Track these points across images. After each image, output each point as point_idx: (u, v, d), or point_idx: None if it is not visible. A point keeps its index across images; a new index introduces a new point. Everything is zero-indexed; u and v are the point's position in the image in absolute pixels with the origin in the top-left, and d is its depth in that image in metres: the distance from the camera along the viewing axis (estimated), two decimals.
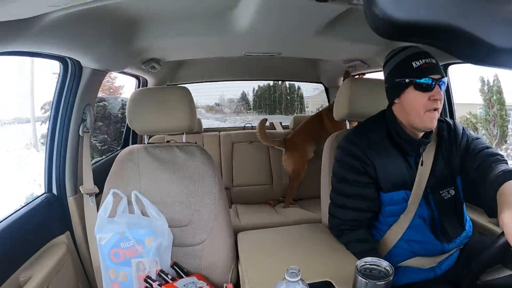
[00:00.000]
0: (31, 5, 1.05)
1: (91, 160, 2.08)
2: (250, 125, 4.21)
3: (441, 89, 1.43)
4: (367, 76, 3.20)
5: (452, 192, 1.57)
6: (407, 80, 1.44)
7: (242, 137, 3.68)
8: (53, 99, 1.90)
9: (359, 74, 3.24)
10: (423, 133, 1.54)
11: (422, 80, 1.42)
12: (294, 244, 1.64)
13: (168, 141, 1.93)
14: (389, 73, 1.54)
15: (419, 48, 1.49)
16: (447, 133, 1.61)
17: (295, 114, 4.13)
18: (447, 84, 2.23)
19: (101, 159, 2.74)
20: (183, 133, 1.93)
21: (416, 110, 1.45)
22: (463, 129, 1.63)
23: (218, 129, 4.05)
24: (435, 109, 1.44)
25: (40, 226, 1.73)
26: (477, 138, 1.61)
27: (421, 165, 1.54)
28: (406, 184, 1.53)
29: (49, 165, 1.93)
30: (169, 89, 1.94)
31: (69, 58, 1.76)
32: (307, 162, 3.34)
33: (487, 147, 1.55)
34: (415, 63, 1.44)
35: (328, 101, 4.09)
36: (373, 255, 1.18)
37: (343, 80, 3.23)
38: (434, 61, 1.45)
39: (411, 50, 1.49)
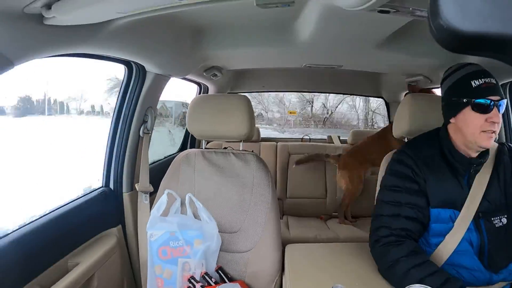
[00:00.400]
0: (101, 11, 1.12)
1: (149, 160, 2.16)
2: (308, 137, 4.17)
3: (499, 111, 1.36)
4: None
5: (505, 220, 1.46)
6: (464, 100, 1.39)
7: (299, 148, 3.65)
8: (117, 99, 2.01)
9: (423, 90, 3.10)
10: (478, 153, 1.47)
11: (481, 101, 1.36)
12: (342, 261, 1.60)
13: (225, 148, 1.95)
14: (446, 91, 1.49)
15: (479, 66, 1.44)
16: (508, 158, 1.52)
17: (353, 129, 4.02)
18: (507, 105, 2.10)
19: (158, 160, 2.83)
20: (240, 141, 1.95)
21: (472, 131, 1.39)
22: None
23: (276, 139, 4.06)
24: (492, 131, 1.37)
25: (94, 217, 1.82)
26: None
27: (472, 185, 1.46)
28: (455, 203, 1.46)
29: (108, 161, 2.03)
30: (229, 96, 1.97)
31: (134, 62, 1.85)
32: (362, 182, 3.24)
33: None
34: (474, 82, 1.38)
35: (388, 117, 3.98)
36: (428, 268, 1.18)
37: (406, 93, 3.11)
38: (494, 81, 1.39)
39: (470, 68, 1.43)
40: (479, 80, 1.38)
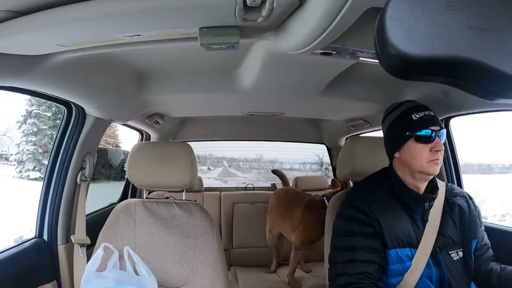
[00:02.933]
0: (40, 41, 1.08)
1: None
2: (252, 186, 4.17)
3: (441, 139, 1.44)
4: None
5: (461, 254, 1.51)
6: (407, 133, 1.46)
7: (244, 197, 3.65)
8: (54, 142, 1.91)
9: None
10: (426, 184, 1.53)
11: (423, 132, 1.44)
12: None
13: (167, 197, 1.88)
14: (389, 127, 1.56)
15: (416, 102, 1.53)
16: (466, 202, 1.61)
17: (297, 176, 4.07)
18: (451, 138, 2.23)
19: (96, 210, 2.69)
20: (183, 191, 1.90)
21: (419, 162, 1.45)
22: (471, 198, 1.65)
23: (219, 189, 4.01)
24: (437, 159, 1.44)
25: (27, 271, 1.67)
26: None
27: (426, 222, 1.51)
28: (412, 241, 1.48)
29: (42, 209, 1.89)
30: (171, 144, 1.94)
31: (74, 103, 1.78)
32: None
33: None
34: (415, 116, 1.47)
35: (331, 162, 4.07)
36: None
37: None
38: (432, 113, 1.48)
39: (410, 103, 1.52)
40: (419, 113, 1.47)
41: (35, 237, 1.87)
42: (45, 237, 1.88)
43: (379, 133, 2.90)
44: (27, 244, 1.76)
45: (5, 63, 1.14)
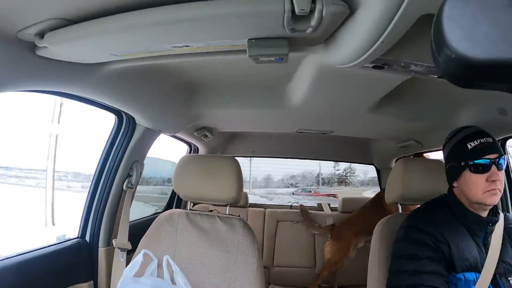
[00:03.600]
0: (93, 49, 1.11)
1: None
2: (297, 204, 4.11)
3: (499, 168, 1.38)
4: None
5: None
6: (462, 163, 1.43)
7: (288, 216, 3.60)
8: (104, 149, 1.97)
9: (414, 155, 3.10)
10: (487, 212, 1.46)
11: (478, 162, 1.39)
12: None
13: (211, 211, 1.88)
14: (447, 156, 1.53)
15: (474, 128, 1.48)
16: (509, 222, 1.53)
17: (344, 197, 3.97)
18: (509, 163, 2.10)
19: (141, 218, 2.74)
20: (227, 205, 1.88)
21: (475, 193, 1.40)
22: None
23: (264, 206, 3.99)
24: (495, 189, 1.37)
25: (65, 268, 1.71)
26: None
27: (488, 246, 1.45)
28: (477, 266, 1.42)
29: (87, 211, 1.94)
30: (218, 158, 1.94)
31: (125, 113, 1.83)
32: (348, 255, 3.15)
33: None
34: (470, 145, 1.42)
35: (379, 184, 3.94)
36: None
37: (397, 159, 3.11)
38: (490, 139, 1.42)
39: (466, 131, 1.48)
40: (475, 141, 1.42)
41: (77, 237, 1.93)
42: (87, 238, 1.93)
43: (432, 155, 2.79)
44: (69, 243, 1.82)
45: (58, 69, 1.19)
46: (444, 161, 1.56)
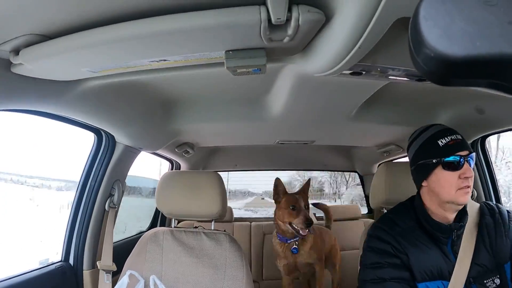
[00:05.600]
0: (69, 65, 1.10)
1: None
2: None
3: (470, 165, 1.37)
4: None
5: (498, 281, 1.40)
6: (434, 160, 1.40)
7: (274, 228, 3.56)
8: (84, 169, 1.93)
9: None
10: (455, 214, 1.45)
11: (450, 158, 1.37)
12: None
13: (196, 227, 1.87)
14: (414, 154, 1.50)
15: (443, 126, 1.47)
16: (491, 218, 1.48)
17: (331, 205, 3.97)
18: (487, 156, 2.14)
19: (124, 238, 2.69)
20: (212, 220, 1.88)
21: (447, 191, 1.38)
22: (509, 213, 1.50)
23: (250, 219, 3.96)
24: (467, 187, 1.36)
25: None
26: None
27: (457, 252, 1.41)
28: (443, 274, 1.40)
29: (69, 234, 1.90)
30: (200, 173, 1.93)
31: (104, 131, 1.81)
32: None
33: None
34: (441, 141, 1.40)
35: (364, 191, 3.95)
36: None
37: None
38: (460, 137, 1.41)
39: (435, 128, 1.46)
40: (445, 138, 1.40)
41: (60, 261, 1.88)
42: (71, 261, 1.88)
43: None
44: (53, 267, 1.77)
45: (34, 87, 1.17)
46: (410, 161, 1.55)
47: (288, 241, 2.47)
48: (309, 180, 2.65)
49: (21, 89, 1.15)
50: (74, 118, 1.54)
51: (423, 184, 1.47)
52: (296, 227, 2.35)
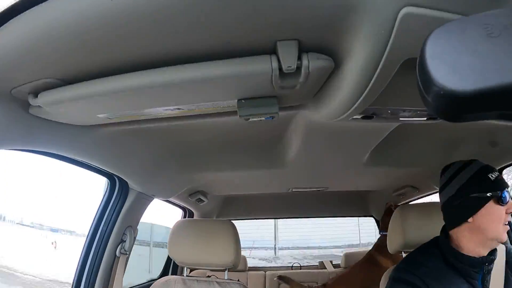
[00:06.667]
0: (87, 110, 1.13)
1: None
2: (298, 265, 3.99)
3: None
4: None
5: None
6: (488, 194, 1.33)
7: (290, 277, 3.46)
8: (96, 213, 1.93)
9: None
10: (488, 252, 1.38)
11: (504, 193, 1.33)
12: None
13: (208, 276, 1.83)
14: (460, 189, 1.41)
15: (481, 162, 1.43)
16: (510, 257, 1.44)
17: (346, 251, 3.87)
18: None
19: (135, 285, 2.65)
20: (225, 270, 1.84)
21: (496, 225, 1.32)
22: None
23: (264, 269, 3.88)
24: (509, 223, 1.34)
25: None
26: None
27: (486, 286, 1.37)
28: None
29: (78, 277, 1.86)
30: (214, 222, 1.93)
31: (117, 176, 1.82)
32: None
33: None
34: (491, 176, 1.36)
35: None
36: None
37: (384, 212, 3.05)
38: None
39: (479, 163, 1.42)
40: (494, 173, 1.37)
41: None
42: None
43: (427, 199, 2.75)
44: None
45: (50, 129, 1.20)
46: (449, 199, 1.45)
47: None
48: None
49: (37, 130, 1.18)
50: (89, 162, 1.56)
51: (469, 220, 1.38)
52: None
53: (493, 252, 1.39)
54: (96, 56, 0.88)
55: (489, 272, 1.38)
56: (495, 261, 1.39)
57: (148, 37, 0.79)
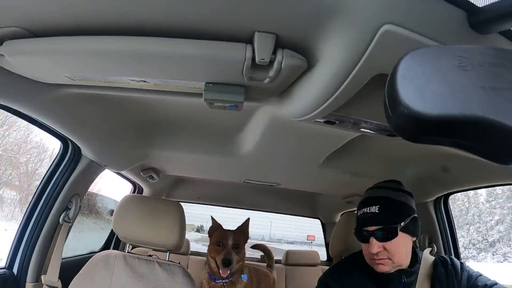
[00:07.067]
0: (50, 67, 1.09)
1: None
2: None
3: (380, 240, 1.39)
4: None
5: None
6: (353, 230, 1.47)
7: None
8: (44, 176, 1.88)
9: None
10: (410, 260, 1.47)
11: (359, 231, 1.44)
12: None
13: (150, 255, 1.81)
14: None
15: (373, 192, 1.50)
16: (443, 269, 1.50)
17: (289, 250, 3.94)
18: (450, 215, 2.19)
19: (75, 255, 2.59)
20: (167, 251, 1.83)
21: (366, 258, 1.45)
22: (461, 264, 1.53)
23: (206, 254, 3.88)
24: (379, 258, 1.40)
25: None
26: (480, 275, 1.49)
27: None
28: None
29: (17, 241, 1.81)
30: (162, 201, 1.90)
31: (71, 141, 1.77)
32: None
33: (495, 283, 1.43)
34: (360, 211, 1.46)
35: (325, 238, 3.98)
36: None
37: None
38: (377, 209, 1.42)
39: (367, 193, 1.51)
40: (364, 209, 1.45)
41: (4, 267, 1.78)
42: (15, 270, 1.78)
43: None
44: None
45: (11, 82, 1.16)
46: None
47: (216, 281, 2.35)
48: (247, 219, 2.59)
49: None
50: (45, 122, 1.51)
51: None
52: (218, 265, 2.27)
53: (413, 265, 1.48)
54: (68, 12, 0.86)
55: (410, 284, 1.45)
56: (420, 274, 1.46)
57: (126, 2, 0.78)
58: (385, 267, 1.40)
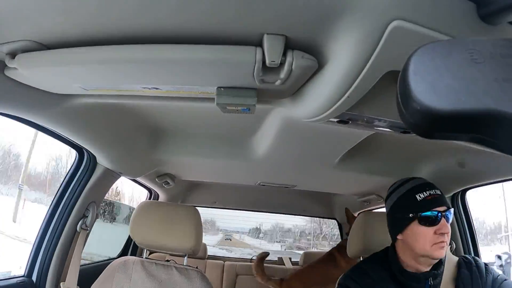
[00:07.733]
0: (63, 79, 1.11)
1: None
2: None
3: (448, 221, 1.37)
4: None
5: None
6: (410, 215, 1.39)
7: (248, 269, 3.50)
8: (60, 185, 1.90)
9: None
10: (430, 267, 1.43)
11: (428, 213, 1.37)
12: None
13: (167, 260, 1.82)
14: (391, 207, 1.51)
15: (422, 180, 1.48)
16: (468, 271, 1.47)
17: (306, 250, 3.93)
18: (467, 210, 2.15)
19: (93, 262, 2.62)
20: (185, 255, 1.84)
21: (422, 246, 1.37)
22: (486, 266, 1.49)
23: (223, 258, 3.90)
24: (443, 242, 1.36)
25: None
26: (506, 279, 1.46)
27: None
28: None
29: (36, 249, 1.83)
30: (178, 207, 1.91)
31: (86, 150, 1.79)
32: None
33: None
34: (419, 196, 1.41)
35: (341, 238, 3.94)
36: None
37: (347, 218, 3.10)
38: (439, 192, 1.42)
39: (414, 182, 1.47)
40: (424, 193, 1.41)
41: (23, 276, 1.80)
42: (34, 278, 1.80)
43: None
44: (14, 281, 1.70)
45: (24, 94, 1.17)
46: (386, 214, 1.55)
47: None
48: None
49: (11, 93, 1.14)
50: (59, 132, 1.53)
51: (398, 237, 1.46)
52: None
53: (437, 267, 1.44)
54: (79, 24, 0.87)
55: (436, 286, 1.43)
56: (444, 276, 1.45)
57: (135, 11, 0.79)
58: (443, 252, 1.38)
